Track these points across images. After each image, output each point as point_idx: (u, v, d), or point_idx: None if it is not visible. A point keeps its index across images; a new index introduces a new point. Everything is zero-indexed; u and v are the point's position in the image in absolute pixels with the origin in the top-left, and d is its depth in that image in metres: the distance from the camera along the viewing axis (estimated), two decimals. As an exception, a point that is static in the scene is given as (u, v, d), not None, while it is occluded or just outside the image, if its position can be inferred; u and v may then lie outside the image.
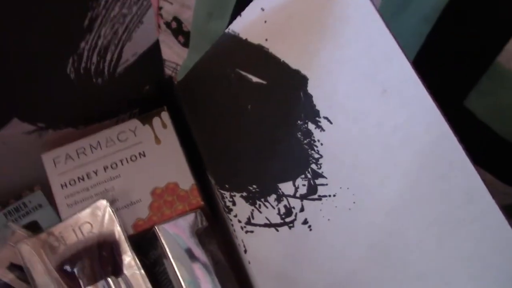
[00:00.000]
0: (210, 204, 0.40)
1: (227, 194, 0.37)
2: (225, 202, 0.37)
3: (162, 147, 0.40)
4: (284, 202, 0.34)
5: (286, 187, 0.34)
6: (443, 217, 0.29)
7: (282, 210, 0.34)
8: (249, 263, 0.35)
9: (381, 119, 0.30)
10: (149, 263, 0.37)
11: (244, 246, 0.36)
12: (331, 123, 0.32)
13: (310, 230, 0.33)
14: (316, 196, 0.32)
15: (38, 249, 0.35)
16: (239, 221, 0.36)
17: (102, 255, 0.35)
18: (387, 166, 0.30)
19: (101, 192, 0.38)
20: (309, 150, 0.33)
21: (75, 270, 0.35)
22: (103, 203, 0.36)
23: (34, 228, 0.41)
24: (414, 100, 0.29)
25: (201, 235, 0.37)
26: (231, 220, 0.36)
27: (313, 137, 0.33)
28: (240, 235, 0.36)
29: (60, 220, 0.38)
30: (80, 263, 0.35)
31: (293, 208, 0.33)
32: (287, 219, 0.34)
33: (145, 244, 0.37)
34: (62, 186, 0.39)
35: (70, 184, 0.38)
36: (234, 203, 0.36)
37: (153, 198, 0.38)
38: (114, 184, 0.38)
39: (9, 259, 0.37)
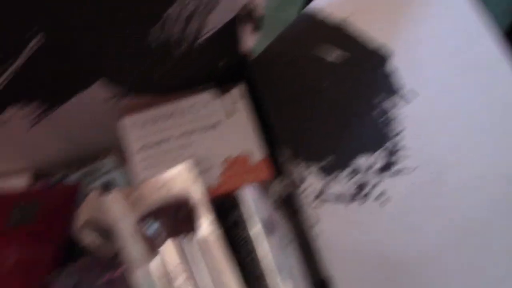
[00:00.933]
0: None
1: (300, 166, 0.37)
2: (297, 174, 0.37)
3: (235, 119, 0.40)
4: (359, 176, 0.34)
5: (362, 161, 0.34)
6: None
7: (356, 185, 0.34)
8: (318, 236, 0.36)
9: (466, 97, 0.30)
10: (227, 227, 0.38)
11: (314, 218, 0.36)
12: (415, 96, 0.32)
13: (384, 205, 0.32)
14: (393, 170, 0.32)
15: (122, 203, 0.36)
16: (310, 194, 0.36)
17: (181, 214, 0.36)
18: (470, 144, 0.30)
19: (175, 157, 0.39)
20: (390, 123, 0.33)
21: (155, 226, 0.35)
22: (186, 165, 0.37)
23: (108, 190, 0.42)
24: (501, 78, 0.29)
25: (280, 204, 0.37)
26: (302, 193, 0.37)
27: (396, 110, 0.33)
28: (310, 209, 0.36)
29: (133, 183, 0.39)
30: (160, 220, 0.36)
31: (368, 182, 0.33)
32: (361, 194, 0.34)
33: (224, 208, 0.37)
34: (138, 150, 0.40)
35: (145, 148, 0.40)
36: (306, 176, 0.36)
37: (224, 168, 0.39)
38: (188, 151, 0.39)
39: (85, 216, 0.39)
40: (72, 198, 0.43)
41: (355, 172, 0.34)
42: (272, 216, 0.37)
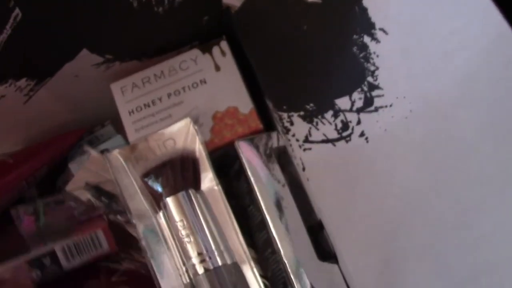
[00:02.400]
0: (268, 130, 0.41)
1: (285, 115, 0.38)
2: (283, 123, 0.38)
3: (222, 74, 0.41)
4: (341, 117, 0.34)
5: (343, 102, 0.34)
6: (500, 121, 0.28)
7: (339, 125, 0.34)
8: (308, 180, 0.36)
9: (438, 26, 0.30)
10: (230, 177, 0.39)
11: (302, 164, 0.36)
12: (386, 34, 0.32)
13: (367, 142, 0.33)
14: (372, 108, 0.33)
15: (125, 159, 0.37)
16: (297, 140, 0.37)
17: (183, 169, 0.37)
18: (443, 73, 0.30)
19: (165, 117, 0.40)
20: (365, 63, 0.33)
21: (158, 181, 0.36)
22: (187, 121, 0.38)
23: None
24: (470, 1, 0.28)
25: (278, 155, 0.38)
26: (289, 140, 0.37)
27: (369, 49, 0.33)
28: (298, 154, 0.37)
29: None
30: (163, 175, 0.36)
31: (350, 122, 0.34)
32: (344, 133, 0.34)
33: (227, 158, 0.38)
34: (129, 112, 0.41)
35: (136, 110, 0.41)
36: (292, 123, 0.37)
37: (214, 122, 0.40)
38: (178, 109, 0.40)
39: (84, 179, 0.40)
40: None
41: (336, 113, 0.34)
42: (270, 167, 0.38)
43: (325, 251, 0.37)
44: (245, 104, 0.40)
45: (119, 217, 0.39)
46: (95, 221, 0.37)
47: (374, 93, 0.32)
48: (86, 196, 0.39)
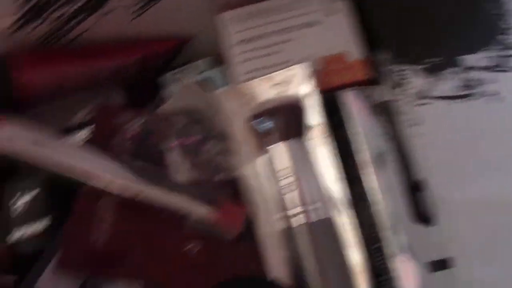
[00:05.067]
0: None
1: (401, 68, 0.36)
2: (399, 75, 0.36)
3: (335, 18, 0.40)
4: (465, 74, 0.32)
5: (468, 59, 0.32)
6: None
7: (462, 83, 0.32)
8: (418, 136, 0.35)
9: None
10: (333, 125, 0.38)
11: (415, 120, 0.35)
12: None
13: (493, 102, 0.31)
14: (502, 68, 0.30)
15: (234, 99, 0.37)
16: (412, 95, 0.35)
17: (293, 116, 0.36)
18: None
19: (272, 53, 0.39)
20: (498, 20, 0.31)
21: (269, 124, 0.36)
22: (303, 66, 0.37)
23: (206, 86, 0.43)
24: None
25: (384, 109, 0.36)
26: (403, 94, 0.36)
27: (504, 7, 0.30)
28: (411, 109, 0.35)
29: (231, 79, 0.40)
30: (274, 119, 0.36)
31: (475, 80, 0.32)
32: (466, 92, 0.32)
33: (330, 107, 0.37)
34: (236, 43, 0.40)
35: (243, 42, 0.40)
36: (408, 77, 0.35)
37: (322, 65, 0.38)
38: (285, 47, 0.39)
39: (176, 107, 0.40)
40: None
41: (461, 70, 0.32)
42: (375, 119, 0.36)
43: (421, 213, 0.36)
44: (355, 51, 0.39)
45: (213, 144, 0.38)
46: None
47: (505, 52, 0.30)
48: (178, 122, 0.39)
